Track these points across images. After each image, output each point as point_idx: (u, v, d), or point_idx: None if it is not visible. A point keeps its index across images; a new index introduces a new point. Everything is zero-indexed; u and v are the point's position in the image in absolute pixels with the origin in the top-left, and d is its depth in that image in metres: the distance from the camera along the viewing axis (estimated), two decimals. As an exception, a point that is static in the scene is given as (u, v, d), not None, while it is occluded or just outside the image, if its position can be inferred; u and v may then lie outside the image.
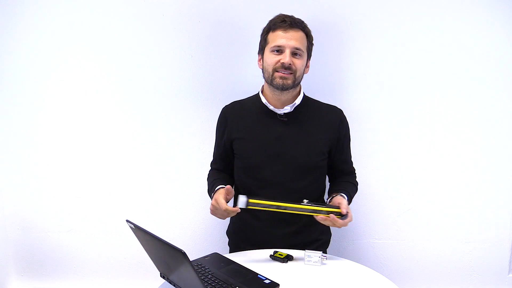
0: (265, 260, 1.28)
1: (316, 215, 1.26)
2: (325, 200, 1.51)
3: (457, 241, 1.88)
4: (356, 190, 1.54)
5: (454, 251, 1.88)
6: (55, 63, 1.80)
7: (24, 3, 1.76)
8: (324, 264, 1.26)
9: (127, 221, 1.03)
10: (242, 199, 1.22)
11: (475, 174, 1.82)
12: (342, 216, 1.27)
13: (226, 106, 1.55)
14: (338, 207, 1.28)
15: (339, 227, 1.28)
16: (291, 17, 1.39)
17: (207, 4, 1.73)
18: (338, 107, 1.52)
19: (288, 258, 1.27)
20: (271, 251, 1.31)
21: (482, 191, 1.83)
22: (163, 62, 1.79)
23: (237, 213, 1.32)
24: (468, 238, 1.87)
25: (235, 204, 1.26)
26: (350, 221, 1.28)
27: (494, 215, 1.85)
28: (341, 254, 1.85)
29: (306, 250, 1.26)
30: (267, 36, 1.41)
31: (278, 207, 1.25)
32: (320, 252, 1.25)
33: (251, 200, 1.23)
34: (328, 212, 1.26)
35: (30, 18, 1.77)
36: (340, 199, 1.34)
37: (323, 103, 1.52)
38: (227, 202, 1.31)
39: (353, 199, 1.48)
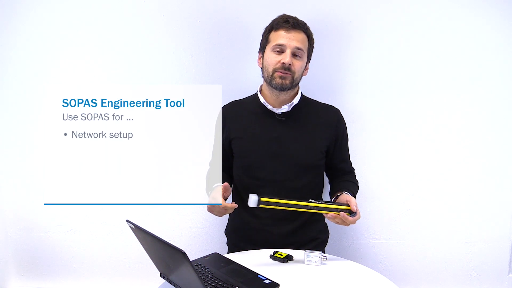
0: (265, 260, 1.28)
1: (326, 213, 1.26)
2: (330, 199, 1.51)
3: (457, 241, 1.87)
4: (357, 188, 1.54)
5: (454, 251, 1.88)
6: (55, 64, 1.80)
7: (25, 3, 1.76)
8: (324, 264, 1.26)
9: (127, 221, 1.03)
10: (254, 198, 1.21)
11: (475, 174, 1.82)
12: (351, 213, 1.27)
13: (224, 105, 1.55)
14: (347, 205, 1.28)
15: (347, 225, 1.27)
16: (294, 18, 1.40)
17: (207, 4, 1.73)
18: (336, 106, 1.52)
19: (288, 258, 1.27)
20: (271, 251, 1.31)
21: (482, 191, 1.83)
22: (163, 62, 1.79)
23: (235, 210, 1.32)
24: (468, 238, 1.87)
25: (244, 203, 1.25)
26: (358, 218, 1.28)
27: (494, 215, 1.84)
28: (341, 254, 1.84)
29: (306, 250, 1.26)
30: (269, 35, 1.41)
31: (289, 205, 1.24)
32: (320, 252, 1.25)
33: (262, 199, 1.22)
34: (338, 210, 1.26)
35: (31, 19, 1.77)
36: (348, 197, 1.33)
37: (321, 102, 1.53)
38: (225, 200, 1.32)
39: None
